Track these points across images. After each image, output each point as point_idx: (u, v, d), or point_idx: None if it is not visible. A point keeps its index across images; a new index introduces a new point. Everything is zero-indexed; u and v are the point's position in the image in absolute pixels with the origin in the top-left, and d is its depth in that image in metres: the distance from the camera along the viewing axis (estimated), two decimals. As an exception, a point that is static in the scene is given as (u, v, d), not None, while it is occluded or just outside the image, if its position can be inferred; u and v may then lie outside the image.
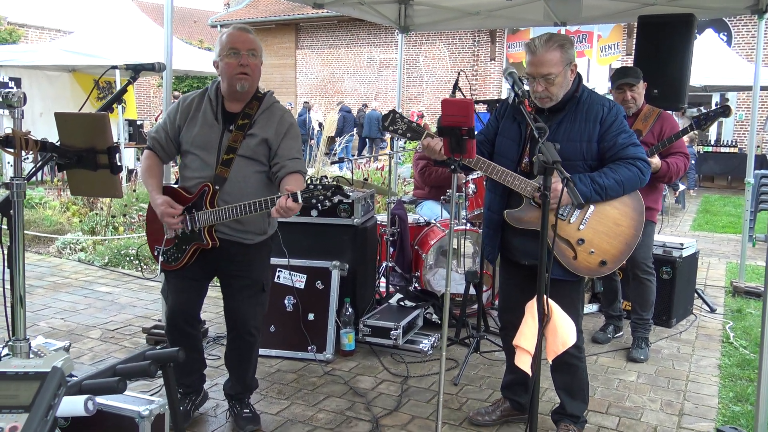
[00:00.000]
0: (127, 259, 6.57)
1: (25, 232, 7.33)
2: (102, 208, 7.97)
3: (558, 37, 2.82)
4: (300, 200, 2.64)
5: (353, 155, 18.29)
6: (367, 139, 18.91)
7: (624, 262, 3.10)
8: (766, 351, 2.85)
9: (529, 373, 2.40)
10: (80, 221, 7.81)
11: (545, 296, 2.28)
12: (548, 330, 2.36)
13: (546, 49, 2.76)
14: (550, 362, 2.76)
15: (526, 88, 2.76)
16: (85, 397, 1.43)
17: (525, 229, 2.84)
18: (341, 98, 21.98)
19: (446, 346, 4.35)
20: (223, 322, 3.39)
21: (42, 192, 9.28)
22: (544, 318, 2.26)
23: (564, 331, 2.37)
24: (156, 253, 3.10)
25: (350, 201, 4.32)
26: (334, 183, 2.75)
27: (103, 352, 4.30)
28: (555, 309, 2.39)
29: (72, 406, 1.40)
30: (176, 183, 3.16)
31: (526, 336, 2.36)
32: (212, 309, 5.03)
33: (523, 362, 2.40)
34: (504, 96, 19.38)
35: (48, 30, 18.75)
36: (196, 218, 2.95)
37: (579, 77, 2.84)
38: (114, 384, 1.51)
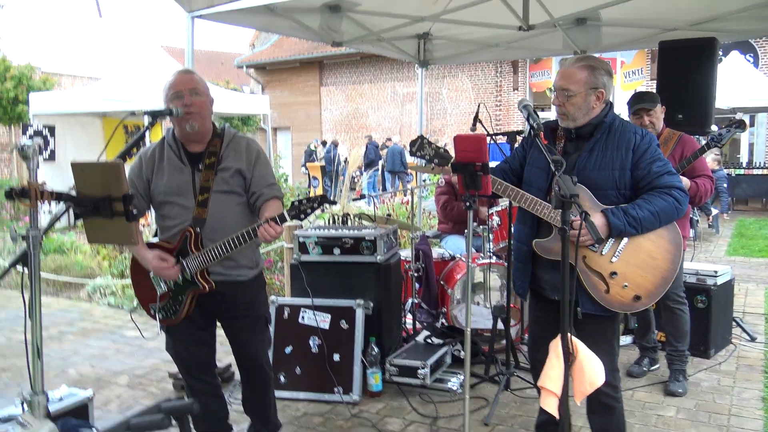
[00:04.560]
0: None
1: (57, 277, 7.48)
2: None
3: (591, 59, 2.77)
4: (288, 219, 2.72)
5: (378, 189, 18.32)
6: (389, 173, 18.96)
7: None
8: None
9: (557, 416, 2.30)
10: (110, 265, 7.90)
11: (569, 334, 2.18)
12: (574, 370, 2.26)
13: (574, 65, 2.74)
14: (578, 403, 2.65)
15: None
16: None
17: (555, 261, 2.76)
18: (366, 133, 22.15)
19: (475, 384, 4.28)
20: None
21: (73, 236, 9.43)
22: (569, 357, 2.17)
23: (591, 371, 2.27)
24: (153, 312, 3.06)
25: (373, 238, 4.29)
26: (319, 195, 2.79)
27: (130, 399, 4.28)
28: (580, 347, 2.29)
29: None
30: (155, 236, 3.13)
31: (551, 377, 2.26)
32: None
33: (550, 405, 2.30)
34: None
35: (80, 77, 19.32)
36: (186, 265, 2.92)
37: (610, 105, 2.77)
38: (126, 440, 1.48)
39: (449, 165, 2.73)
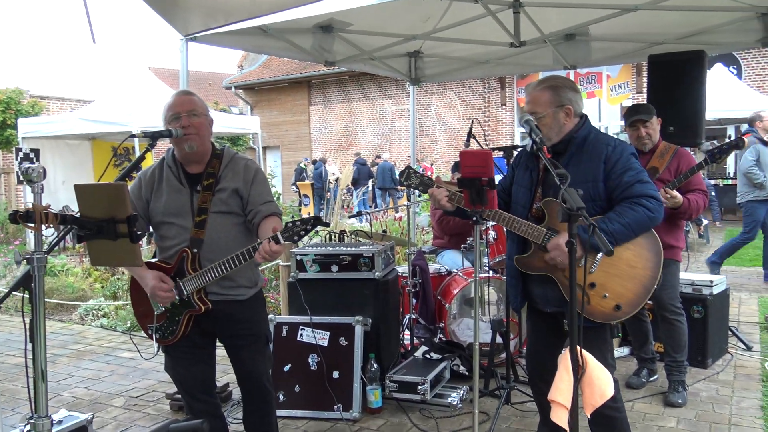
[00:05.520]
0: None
1: (48, 299, 7.42)
2: (123, 272, 7.99)
3: (552, 79, 2.84)
4: (281, 241, 2.66)
5: (370, 206, 18.36)
6: (380, 190, 19.04)
7: (648, 303, 3.02)
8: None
9: (567, 429, 2.30)
10: (102, 287, 7.84)
11: (578, 347, 2.19)
12: (584, 382, 2.27)
13: (536, 89, 2.84)
14: (588, 415, 2.66)
15: None
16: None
17: (544, 276, 2.79)
18: (356, 150, 22.23)
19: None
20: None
21: (64, 259, 9.36)
22: (578, 370, 2.18)
23: (601, 383, 2.28)
24: (150, 332, 3.04)
25: (371, 254, 4.29)
26: (312, 216, 2.75)
27: (126, 421, 4.23)
28: (590, 360, 2.30)
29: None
30: (154, 257, 3.12)
31: (561, 390, 2.27)
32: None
33: (560, 418, 2.30)
34: (517, 141, 19.46)
35: (69, 100, 19.23)
36: (182, 286, 2.91)
37: (584, 118, 2.83)
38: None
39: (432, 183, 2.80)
